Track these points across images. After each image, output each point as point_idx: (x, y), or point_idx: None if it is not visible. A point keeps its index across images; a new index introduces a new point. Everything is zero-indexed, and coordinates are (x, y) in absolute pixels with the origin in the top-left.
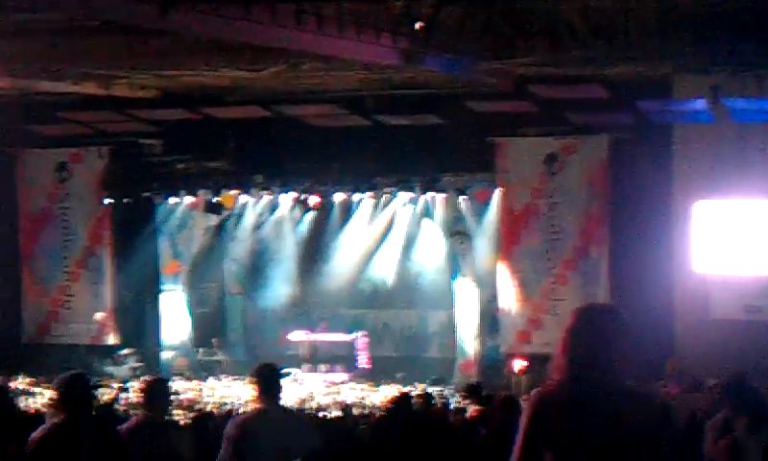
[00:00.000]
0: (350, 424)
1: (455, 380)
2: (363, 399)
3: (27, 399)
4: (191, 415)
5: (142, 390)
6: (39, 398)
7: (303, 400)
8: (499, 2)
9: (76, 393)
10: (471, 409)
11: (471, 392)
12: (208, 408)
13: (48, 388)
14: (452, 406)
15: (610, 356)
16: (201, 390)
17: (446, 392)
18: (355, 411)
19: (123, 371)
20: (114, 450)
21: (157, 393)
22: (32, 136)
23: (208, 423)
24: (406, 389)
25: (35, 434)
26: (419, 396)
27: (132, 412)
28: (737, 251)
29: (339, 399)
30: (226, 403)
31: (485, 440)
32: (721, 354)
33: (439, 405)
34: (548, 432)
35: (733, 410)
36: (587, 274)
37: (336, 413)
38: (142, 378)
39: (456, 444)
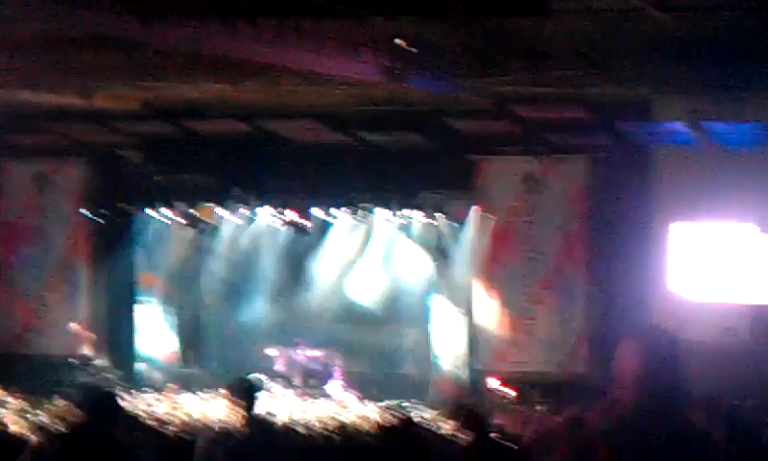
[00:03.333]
0: (325, 439)
1: (430, 398)
2: (338, 414)
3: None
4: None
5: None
6: (12, 409)
7: (277, 415)
8: (481, 21)
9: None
10: (446, 426)
11: (453, 413)
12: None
13: (21, 400)
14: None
15: (671, 383)
16: (175, 403)
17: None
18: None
19: (97, 383)
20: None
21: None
22: (10, 147)
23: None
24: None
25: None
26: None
27: None
28: (714, 273)
29: (313, 415)
30: (199, 417)
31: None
32: (697, 377)
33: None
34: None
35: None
36: (563, 294)
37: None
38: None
39: None
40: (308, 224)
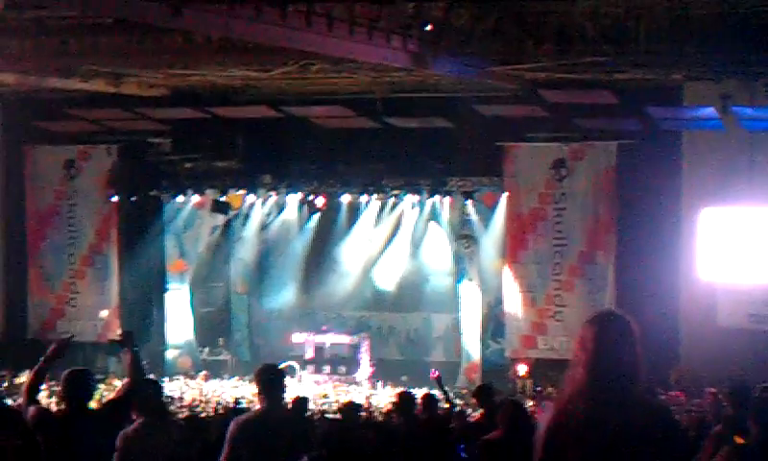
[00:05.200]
0: (353, 425)
1: (459, 384)
2: (367, 400)
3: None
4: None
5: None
6: (43, 393)
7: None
8: (510, 6)
9: (75, 388)
10: (476, 413)
11: (480, 394)
12: (210, 408)
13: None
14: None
15: (625, 367)
16: (203, 389)
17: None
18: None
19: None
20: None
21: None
22: (40, 133)
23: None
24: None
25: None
26: (422, 398)
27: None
28: (743, 259)
29: (342, 400)
30: (228, 403)
31: (488, 444)
32: (725, 363)
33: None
34: (566, 449)
35: (740, 417)
36: (593, 280)
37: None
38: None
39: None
40: (337, 210)
